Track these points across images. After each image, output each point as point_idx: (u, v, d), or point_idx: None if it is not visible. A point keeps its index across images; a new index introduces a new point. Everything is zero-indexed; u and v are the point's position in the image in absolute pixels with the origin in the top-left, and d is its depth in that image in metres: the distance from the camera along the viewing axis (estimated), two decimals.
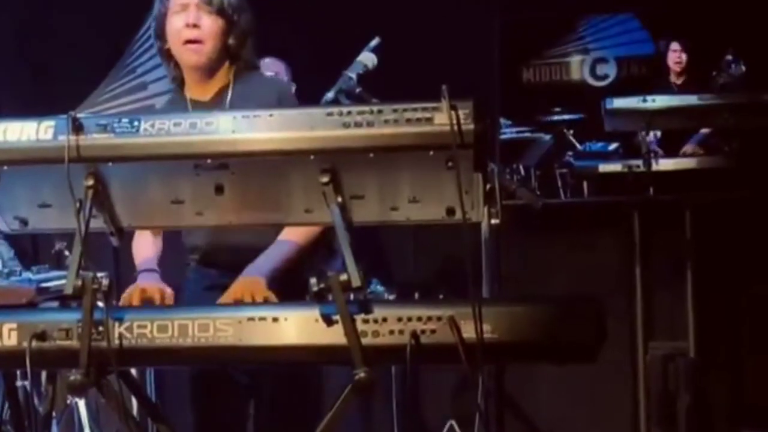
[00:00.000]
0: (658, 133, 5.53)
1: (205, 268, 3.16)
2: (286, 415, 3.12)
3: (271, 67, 5.13)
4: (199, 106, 3.04)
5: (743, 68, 5.54)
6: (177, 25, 3.00)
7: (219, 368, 3.01)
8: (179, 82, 3.14)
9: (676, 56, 6.39)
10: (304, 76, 5.09)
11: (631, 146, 6.00)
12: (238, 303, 2.67)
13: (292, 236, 2.95)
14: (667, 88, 6.23)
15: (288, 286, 2.77)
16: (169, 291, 2.92)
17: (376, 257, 5.05)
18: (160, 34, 3.08)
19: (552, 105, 7.19)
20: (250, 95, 2.99)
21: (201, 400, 3.12)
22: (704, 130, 5.92)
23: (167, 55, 3.10)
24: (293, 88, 5.15)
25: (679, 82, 6.43)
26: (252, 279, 2.81)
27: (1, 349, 2.28)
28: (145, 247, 3.14)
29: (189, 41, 2.99)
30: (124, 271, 3.22)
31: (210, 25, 2.99)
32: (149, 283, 2.91)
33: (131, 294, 2.83)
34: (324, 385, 3.18)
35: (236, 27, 3.03)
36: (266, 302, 2.66)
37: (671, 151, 5.62)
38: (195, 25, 2.98)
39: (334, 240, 3.25)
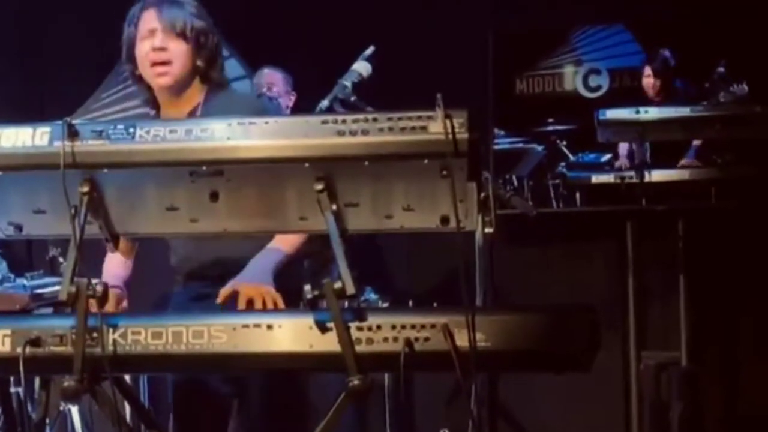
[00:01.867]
0: (647, 144, 5.54)
1: (191, 282, 3.19)
2: (270, 425, 3.12)
3: (267, 77, 5.13)
4: None
5: (746, 88, 5.55)
6: (145, 49, 3.10)
7: (200, 380, 3.02)
8: (153, 105, 3.22)
9: (648, 82, 6.41)
10: (299, 84, 5.10)
11: (614, 155, 6.02)
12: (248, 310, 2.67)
13: (280, 244, 2.98)
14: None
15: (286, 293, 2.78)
16: (124, 305, 3.01)
17: (370, 265, 5.05)
18: (130, 59, 3.17)
19: (545, 116, 7.20)
20: (220, 113, 3.02)
21: (182, 411, 3.14)
22: (696, 143, 5.93)
23: (138, 79, 3.20)
24: (293, 99, 5.16)
25: (656, 102, 6.44)
26: (260, 286, 2.80)
27: None
28: (113, 266, 3.20)
29: (156, 63, 3.09)
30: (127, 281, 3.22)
31: (176, 47, 3.09)
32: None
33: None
34: (308, 396, 3.18)
35: (203, 49, 3.13)
36: (276, 308, 2.67)
37: (665, 163, 5.64)
38: (162, 48, 3.08)
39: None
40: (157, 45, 3.07)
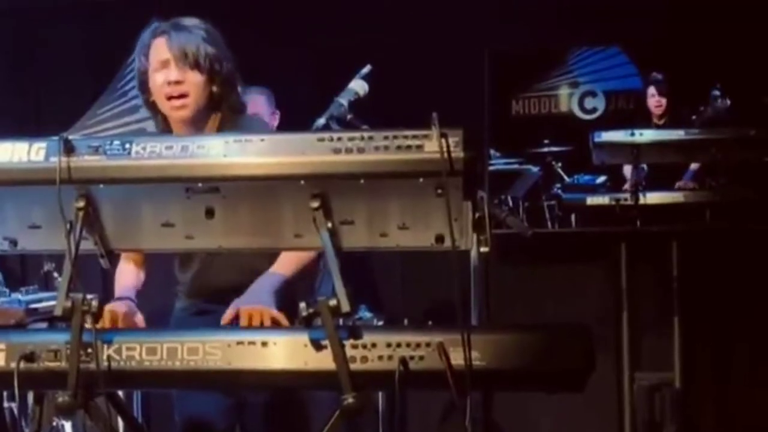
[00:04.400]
0: (645, 167, 5.56)
1: (192, 299, 3.18)
2: None
3: (251, 107, 5.10)
4: None
5: (728, 102, 5.57)
6: (159, 82, 3.04)
7: (203, 420, 3.01)
8: (167, 131, 3.16)
9: (655, 101, 6.42)
10: (295, 102, 5.10)
11: (618, 179, 6.03)
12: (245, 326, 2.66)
13: (280, 269, 2.96)
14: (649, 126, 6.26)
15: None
16: (139, 317, 2.95)
17: (364, 283, 5.05)
18: (144, 89, 3.11)
19: (540, 137, 7.21)
20: None
21: None
22: (694, 166, 5.95)
23: (153, 107, 3.12)
24: (276, 118, 5.16)
25: (660, 123, 6.45)
26: (261, 307, 2.77)
27: None
28: (126, 277, 3.17)
29: (173, 97, 3.02)
30: (113, 293, 3.21)
31: (191, 79, 3.02)
32: (117, 306, 2.93)
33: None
34: (310, 413, 3.17)
35: (218, 76, 3.06)
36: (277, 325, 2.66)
37: (660, 185, 5.65)
38: (177, 82, 3.01)
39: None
40: (173, 78, 3.00)
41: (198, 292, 3.17)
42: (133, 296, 3.08)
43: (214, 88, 3.06)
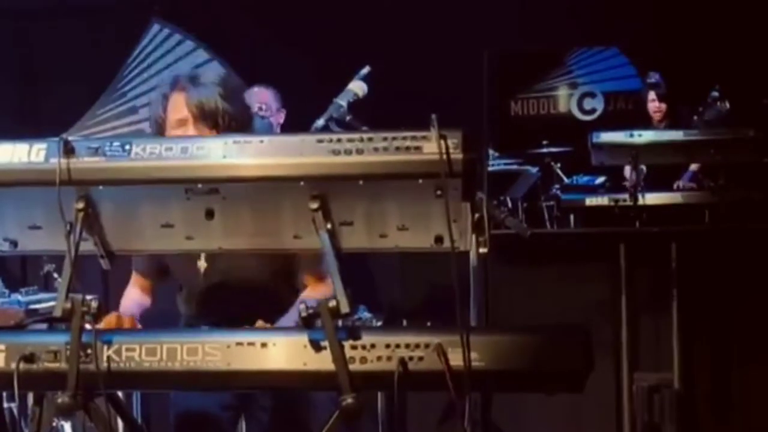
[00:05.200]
0: (644, 167, 5.56)
1: (205, 317, 3.15)
2: None
3: (259, 96, 5.14)
4: None
5: (728, 105, 5.58)
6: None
7: (201, 410, 3.00)
8: None
9: (654, 106, 6.43)
10: (295, 103, 5.12)
11: (618, 179, 6.03)
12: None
13: (317, 290, 2.99)
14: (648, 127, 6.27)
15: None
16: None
17: (364, 284, 5.06)
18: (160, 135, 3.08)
19: (539, 138, 7.22)
20: None
21: None
22: (693, 167, 5.96)
23: None
24: (282, 115, 5.19)
25: (661, 127, 6.45)
26: None
27: None
28: (130, 299, 3.19)
29: None
30: (113, 294, 3.23)
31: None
32: (121, 315, 2.92)
33: (106, 321, 2.80)
34: (313, 413, 3.17)
35: (232, 123, 3.02)
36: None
37: (659, 186, 5.65)
38: None
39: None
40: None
41: (204, 319, 3.14)
42: (137, 314, 3.07)
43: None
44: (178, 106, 3.02)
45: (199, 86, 3.01)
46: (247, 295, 3.02)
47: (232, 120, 3.01)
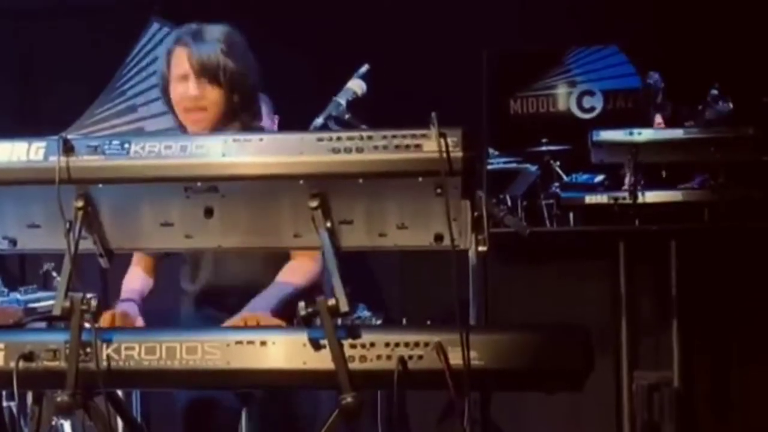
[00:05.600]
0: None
1: (204, 306, 3.16)
2: None
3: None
4: None
5: (730, 105, 5.57)
6: (179, 93, 3.05)
7: (209, 399, 3.00)
8: (182, 131, 3.15)
9: (658, 120, 6.41)
10: (294, 101, 5.11)
11: (618, 178, 6.02)
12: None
13: (289, 278, 2.97)
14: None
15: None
16: (139, 321, 2.94)
17: (363, 282, 5.06)
18: (165, 93, 3.12)
19: (539, 136, 7.21)
20: None
21: (193, 425, 3.11)
22: (704, 176, 5.93)
23: (173, 109, 3.13)
24: (276, 121, 5.17)
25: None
26: (257, 314, 2.78)
27: None
28: (132, 281, 3.17)
29: (191, 109, 3.04)
30: (112, 292, 3.22)
31: (210, 94, 3.03)
32: (120, 309, 2.94)
33: (102, 320, 2.80)
34: (317, 412, 3.17)
35: (238, 89, 3.05)
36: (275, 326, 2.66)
37: (662, 184, 5.64)
38: (196, 97, 3.02)
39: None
40: (191, 93, 3.01)
41: (206, 301, 3.16)
42: (138, 299, 3.08)
43: (235, 99, 3.06)
44: (181, 61, 3.03)
45: (202, 42, 3.03)
46: (252, 273, 3.02)
47: (235, 76, 3.02)
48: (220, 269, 3.11)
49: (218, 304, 3.07)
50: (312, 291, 2.97)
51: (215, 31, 3.07)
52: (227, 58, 3.02)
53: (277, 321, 2.72)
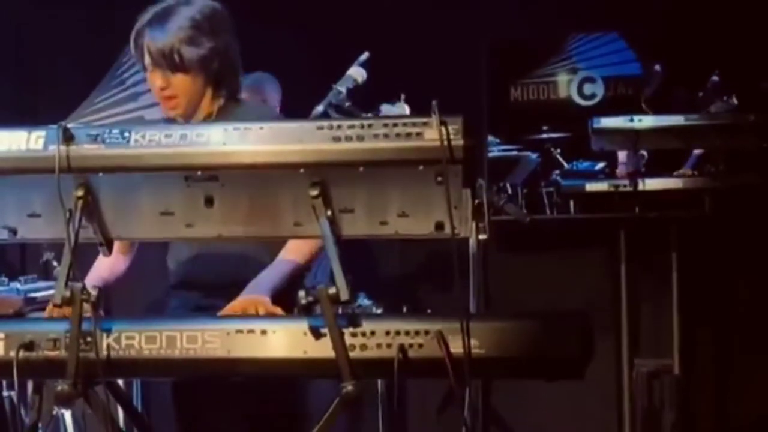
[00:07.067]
0: (645, 153, 5.56)
1: (187, 291, 3.14)
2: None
3: (263, 87, 5.09)
4: None
5: (735, 101, 5.56)
6: (150, 83, 3.05)
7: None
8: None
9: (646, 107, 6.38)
10: (294, 89, 5.10)
11: (617, 165, 6.02)
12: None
13: (292, 255, 2.94)
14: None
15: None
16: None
17: (364, 271, 5.06)
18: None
19: (539, 123, 7.21)
20: None
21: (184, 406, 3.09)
22: (697, 151, 5.94)
23: None
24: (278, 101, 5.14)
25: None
26: (256, 297, 2.77)
27: None
28: (100, 266, 3.10)
29: (164, 98, 3.02)
30: (112, 282, 3.21)
31: (176, 82, 2.99)
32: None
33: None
34: (308, 401, 3.18)
35: (206, 72, 3.00)
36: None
37: (662, 171, 5.64)
38: (163, 87, 2.99)
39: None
40: (158, 85, 2.99)
41: (191, 284, 3.12)
42: (99, 285, 2.99)
43: (205, 81, 3.02)
44: (143, 52, 3.00)
45: (159, 30, 2.96)
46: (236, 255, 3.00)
47: (200, 60, 2.96)
48: (202, 251, 3.08)
49: (203, 288, 3.05)
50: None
51: (180, 15, 2.98)
52: (189, 45, 2.95)
53: (276, 309, 2.70)
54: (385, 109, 3.12)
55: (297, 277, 2.92)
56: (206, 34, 2.98)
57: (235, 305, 2.73)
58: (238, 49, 3.10)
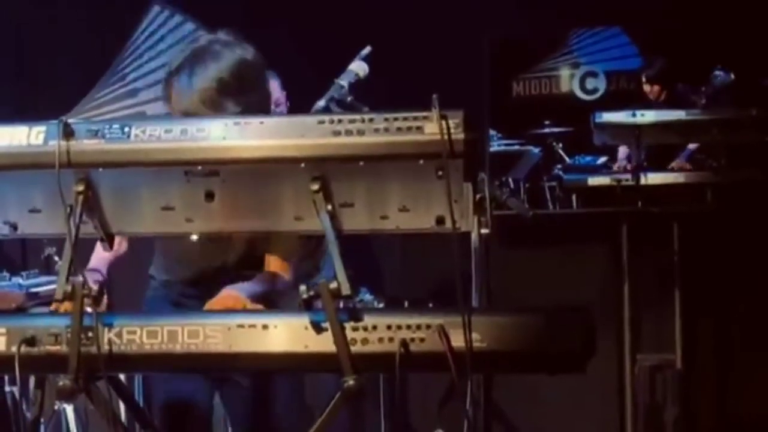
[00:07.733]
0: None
1: (167, 286, 3.10)
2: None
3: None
4: None
5: (732, 76, 5.56)
6: None
7: (183, 397, 2.98)
8: None
9: (647, 89, 6.39)
10: (296, 84, 5.10)
11: (612, 158, 6.03)
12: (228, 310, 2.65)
13: (273, 268, 2.94)
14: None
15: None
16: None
17: (365, 265, 5.06)
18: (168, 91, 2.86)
19: (541, 118, 7.21)
20: None
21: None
22: (692, 146, 5.95)
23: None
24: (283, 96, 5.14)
25: (661, 99, 6.43)
26: (234, 294, 2.74)
27: None
28: (101, 249, 3.07)
29: None
30: (113, 276, 3.21)
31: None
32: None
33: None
34: (304, 395, 3.18)
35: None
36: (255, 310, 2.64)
37: (658, 165, 5.65)
38: None
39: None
40: None
41: (173, 280, 3.08)
42: (104, 270, 2.95)
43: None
44: (179, 98, 2.79)
45: (195, 76, 2.76)
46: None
47: (232, 107, 2.75)
48: (184, 262, 3.04)
49: (181, 280, 3.04)
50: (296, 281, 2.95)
51: (207, 71, 2.77)
52: (210, 109, 2.74)
53: (258, 305, 2.69)
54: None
55: (276, 291, 2.91)
56: (233, 95, 2.77)
57: (214, 302, 2.71)
58: (269, 98, 2.97)
